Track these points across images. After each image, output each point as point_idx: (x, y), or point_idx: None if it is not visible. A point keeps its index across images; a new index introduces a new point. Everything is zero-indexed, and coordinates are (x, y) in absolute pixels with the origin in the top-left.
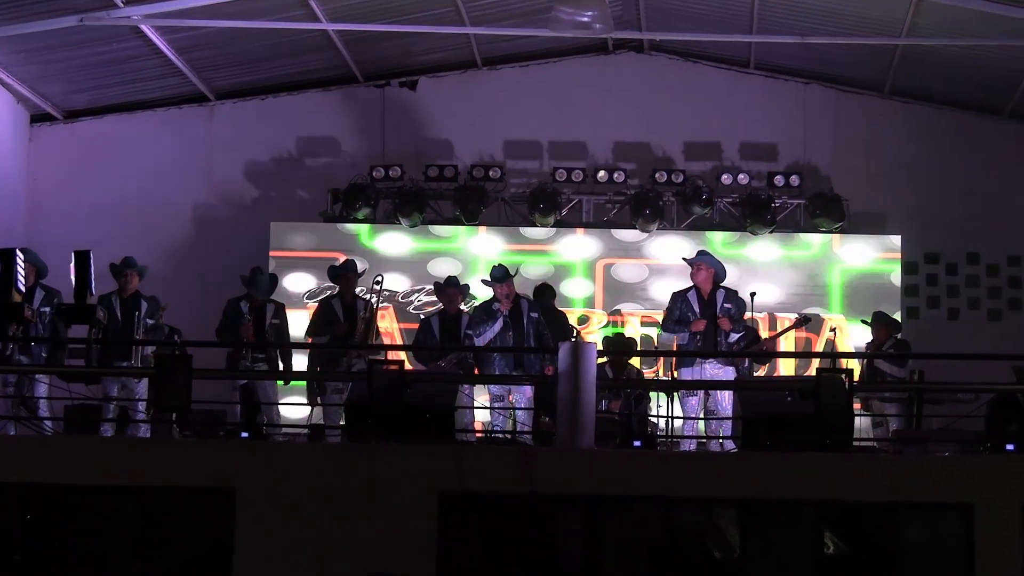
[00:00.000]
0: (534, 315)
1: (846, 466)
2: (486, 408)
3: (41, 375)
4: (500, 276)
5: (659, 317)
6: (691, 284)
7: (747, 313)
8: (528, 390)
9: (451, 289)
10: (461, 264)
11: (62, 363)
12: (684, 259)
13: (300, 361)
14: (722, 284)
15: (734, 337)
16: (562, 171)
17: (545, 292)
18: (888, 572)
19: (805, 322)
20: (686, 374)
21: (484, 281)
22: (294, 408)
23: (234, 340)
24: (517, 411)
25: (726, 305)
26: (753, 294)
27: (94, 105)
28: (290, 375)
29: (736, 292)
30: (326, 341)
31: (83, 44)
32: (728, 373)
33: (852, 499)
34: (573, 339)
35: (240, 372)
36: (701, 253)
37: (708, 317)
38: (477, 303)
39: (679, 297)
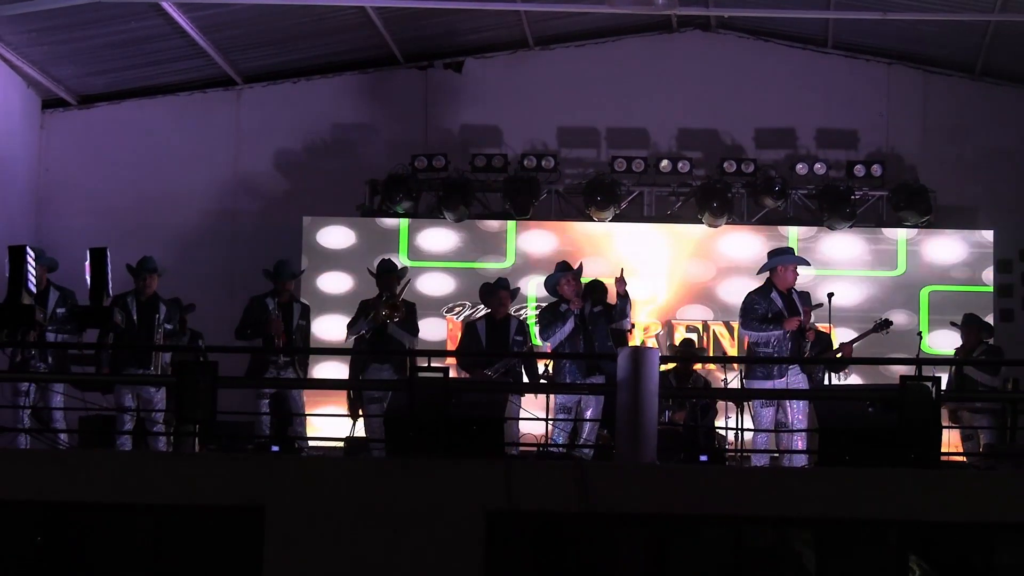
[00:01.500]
0: (596, 309)
1: (933, 483)
2: (540, 420)
3: (56, 384)
4: (563, 268)
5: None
6: (762, 284)
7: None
8: (598, 399)
9: (502, 291)
10: (510, 262)
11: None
12: (784, 257)
13: (336, 368)
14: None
15: (807, 346)
16: (621, 160)
17: (596, 290)
18: None
19: (886, 326)
20: (765, 384)
21: (549, 276)
22: (328, 420)
23: (262, 339)
24: (580, 423)
25: (803, 308)
26: (831, 295)
27: (111, 89)
28: (321, 383)
29: (807, 293)
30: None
31: (99, 23)
32: (803, 382)
33: (939, 520)
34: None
35: (270, 381)
36: (792, 252)
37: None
38: (531, 308)
39: (759, 295)
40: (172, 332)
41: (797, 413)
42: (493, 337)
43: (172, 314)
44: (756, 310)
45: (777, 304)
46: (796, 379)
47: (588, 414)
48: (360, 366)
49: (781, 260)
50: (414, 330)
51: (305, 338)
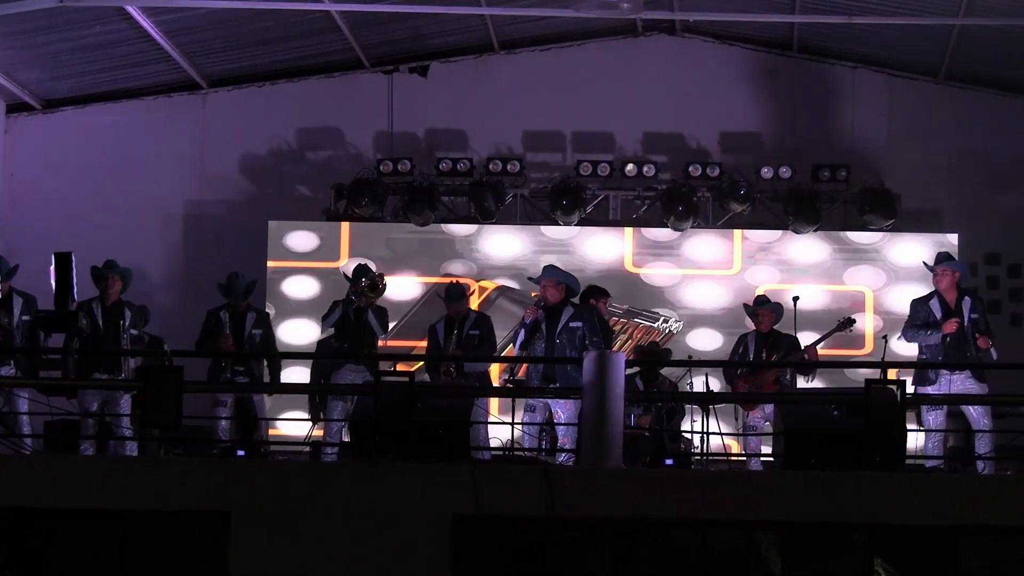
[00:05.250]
0: (574, 324)
1: (898, 486)
2: (505, 424)
3: (21, 389)
4: (548, 272)
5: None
6: (932, 290)
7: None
8: (571, 404)
9: (451, 305)
10: (476, 266)
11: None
12: (924, 264)
13: (300, 373)
14: (968, 289)
15: (994, 354)
16: (587, 164)
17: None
18: None
19: (849, 324)
20: (929, 390)
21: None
22: (293, 424)
23: (213, 351)
24: (556, 429)
25: (973, 315)
26: (796, 298)
27: (76, 94)
28: (287, 387)
29: (981, 298)
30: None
31: (64, 27)
32: (972, 386)
33: (905, 522)
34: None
35: (232, 385)
36: (944, 257)
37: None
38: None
39: (920, 303)
40: (139, 338)
41: (979, 419)
42: (450, 334)
43: (138, 319)
44: (916, 316)
45: (936, 312)
46: (964, 384)
47: (560, 418)
48: (328, 367)
49: (931, 267)
50: (386, 328)
51: (262, 346)
